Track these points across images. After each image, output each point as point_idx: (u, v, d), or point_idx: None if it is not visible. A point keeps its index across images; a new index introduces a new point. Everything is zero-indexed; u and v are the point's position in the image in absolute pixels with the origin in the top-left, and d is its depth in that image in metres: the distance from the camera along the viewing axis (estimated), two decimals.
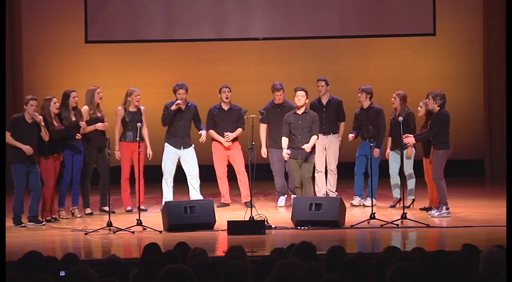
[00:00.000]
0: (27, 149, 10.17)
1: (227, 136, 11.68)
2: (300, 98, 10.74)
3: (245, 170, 11.68)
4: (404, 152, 10.96)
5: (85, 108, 11.22)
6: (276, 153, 11.75)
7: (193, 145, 11.61)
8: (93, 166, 11.31)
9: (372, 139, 11.39)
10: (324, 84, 11.91)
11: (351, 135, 11.66)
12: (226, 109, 11.79)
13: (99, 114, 11.30)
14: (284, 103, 11.80)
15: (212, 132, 11.78)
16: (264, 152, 11.82)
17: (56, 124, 10.59)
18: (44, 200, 10.51)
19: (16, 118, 10.40)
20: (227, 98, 11.74)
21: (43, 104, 10.60)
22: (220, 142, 11.77)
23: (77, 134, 10.86)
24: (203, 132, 11.56)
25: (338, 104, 11.95)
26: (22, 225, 10.22)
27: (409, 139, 10.51)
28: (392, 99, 11.38)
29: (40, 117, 10.29)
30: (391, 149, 11.46)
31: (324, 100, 11.94)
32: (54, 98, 10.65)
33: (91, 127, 11.14)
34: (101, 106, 11.41)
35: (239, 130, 11.75)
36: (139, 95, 11.47)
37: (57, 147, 10.64)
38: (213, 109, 11.88)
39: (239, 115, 11.68)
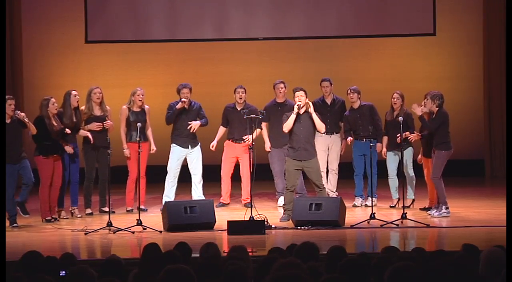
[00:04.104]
0: None
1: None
2: (301, 98, 10.36)
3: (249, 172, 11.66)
4: (405, 152, 10.96)
5: (82, 108, 11.23)
6: (276, 152, 11.73)
7: (199, 143, 11.63)
8: (94, 166, 11.27)
9: (373, 139, 11.39)
10: (328, 84, 11.94)
11: (349, 139, 11.61)
12: (239, 109, 11.76)
13: (98, 113, 11.25)
14: (285, 102, 11.76)
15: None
16: (268, 146, 11.75)
17: (55, 124, 10.57)
18: (41, 200, 10.50)
19: None
20: (240, 99, 11.70)
21: (42, 104, 10.57)
22: (232, 142, 11.78)
23: (66, 129, 10.64)
24: (193, 122, 11.49)
25: (343, 104, 11.97)
26: (15, 225, 10.18)
27: (413, 135, 10.53)
28: (395, 99, 11.35)
29: (23, 114, 10.19)
30: (388, 149, 11.44)
31: (329, 100, 11.95)
32: (52, 99, 10.59)
33: (83, 133, 11.06)
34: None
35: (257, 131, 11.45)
36: (142, 95, 11.44)
37: (57, 147, 10.61)
38: (228, 107, 11.89)
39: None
